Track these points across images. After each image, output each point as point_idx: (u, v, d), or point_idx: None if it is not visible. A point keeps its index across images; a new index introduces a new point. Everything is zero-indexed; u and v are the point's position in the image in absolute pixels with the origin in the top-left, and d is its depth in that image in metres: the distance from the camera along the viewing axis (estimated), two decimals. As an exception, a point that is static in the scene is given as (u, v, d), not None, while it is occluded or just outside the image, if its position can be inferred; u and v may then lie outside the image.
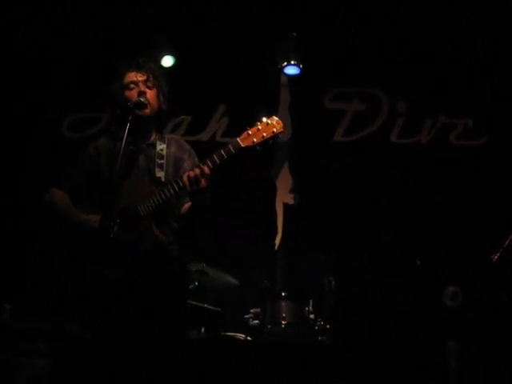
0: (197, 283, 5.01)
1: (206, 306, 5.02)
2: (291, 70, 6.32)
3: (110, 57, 6.00)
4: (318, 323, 4.85)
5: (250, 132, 2.97)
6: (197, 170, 2.93)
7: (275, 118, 3.00)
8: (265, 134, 2.96)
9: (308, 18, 6.12)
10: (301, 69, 6.27)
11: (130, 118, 3.04)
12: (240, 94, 6.31)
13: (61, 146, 6.25)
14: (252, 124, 2.99)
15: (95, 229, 2.92)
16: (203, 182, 2.94)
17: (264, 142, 2.96)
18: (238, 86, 6.33)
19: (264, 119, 2.99)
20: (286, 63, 6.27)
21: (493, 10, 5.88)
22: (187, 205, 3.25)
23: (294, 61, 6.24)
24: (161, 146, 3.26)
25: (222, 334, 4.75)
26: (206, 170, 2.93)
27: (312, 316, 4.88)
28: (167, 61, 6.22)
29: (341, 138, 6.37)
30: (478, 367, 4.33)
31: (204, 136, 6.40)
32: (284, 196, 6.33)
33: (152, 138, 3.30)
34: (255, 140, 2.95)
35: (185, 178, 2.95)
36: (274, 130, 2.97)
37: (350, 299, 5.34)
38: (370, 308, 5.35)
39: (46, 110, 6.37)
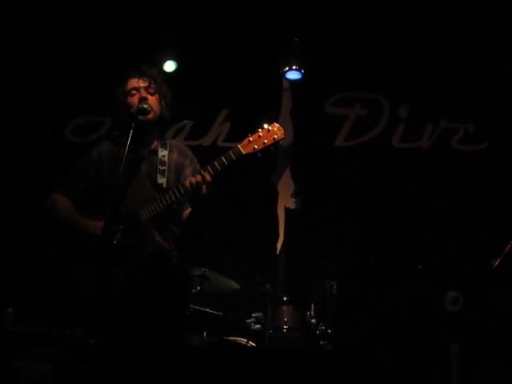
0: (199, 288, 5.02)
1: (208, 310, 5.02)
2: (293, 75, 6.34)
3: (113, 61, 6.05)
4: (320, 328, 4.86)
5: (250, 139, 3.00)
6: (198, 177, 2.96)
7: (276, 125, 3.03)
8: (266, 141, 2.99)
9: (310, 23, 6.15)
10: (302, 74, 6.29)
11: (132, 125, 3.05)
12: (242, 99, 6.33)
13: (63, 150, 6.27)
14: (253, 130, 3.02)
15: (99, 235, 2.92)
16: (204, 189, 2.98)
17: (265, 149, 2.99)
18: (239, 91, 6.36)
19: (265, 126, 3.02)
20: (287, 68, 6.29)
21: (495, 14, 5.90)
22: (188, 210, 3.29)
23: (296, 66, 6.27)
24: (162, 153, 3.28)
25: (224, 338, 4.76)
26: (208, 176, 2.96)
27: (313, 321, 4.90)
28: (169, 66, 6.25)
29: (342, 143, 6.39)
30: (479, 371, 4.34)
31: (206, 141, 6.42)
32: (286, 201, 6.34)
33: (154, 145, 3.32)
34: (256, 147, 2.99)
35: (186, 184, 2.98)
36: (275, 136, 3.00)
37: (351, 304, 5.35)
38: (371, 313, 5.36)
39: (48, 115, 6.38)
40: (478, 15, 5.97)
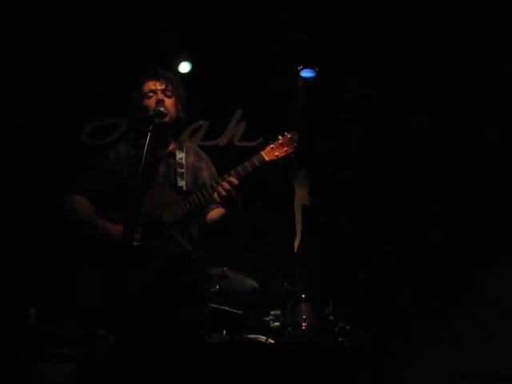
0: (218, 287, 5.06)
1: (227, 309, 5.06)
2: (307, 73, 6.35)
3: (128, 63, 6.09)
4: (338, 325, 4.88)
5: (272, 146, 3.10)
6: (225, 184, 3.02)
7: (296, 134, 3.13)
8: (287, 149, 3.10)
9: (324, 21, 6.15)
10: (316, 72, 6.31)
11: (150, 128, 3.09)
12: (256, 99, 6.36)
13: (80, 153, 6.32)
14: (272, 136, 3.10)
15: (120, 238, 2.96)
16: (233, 193, 3.04)
17: (286, 156, 3.10)
18: (254, 91, 6.38)
19: (286, 133, 3.13)
20: (301, 67, 6.31)
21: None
22: (214, 212, 3.33)
23: (310, 64, 6.28)
24: (180, 155, 3.32)
25: (244, 336, 4.80)
26: (234, 180, 3.03)
27: (332, 317, 4.92)
28: (184, 67, 6.30)
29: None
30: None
31: (222, 140, 6.46)
32: (302, 198, 6.36)
33: (171, 147, 3.36)
34: (278, 154, 3.09)
35: (215, 196, 3.05)
36: (296, 144, 3.11)
37: (369, 300, 5.37)
38: (388, 309, 5.38)
39: (65, 118, 6.43)
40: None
